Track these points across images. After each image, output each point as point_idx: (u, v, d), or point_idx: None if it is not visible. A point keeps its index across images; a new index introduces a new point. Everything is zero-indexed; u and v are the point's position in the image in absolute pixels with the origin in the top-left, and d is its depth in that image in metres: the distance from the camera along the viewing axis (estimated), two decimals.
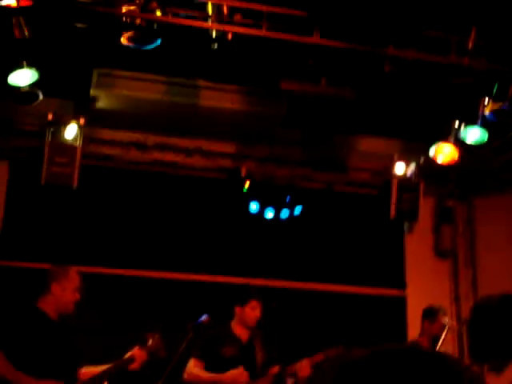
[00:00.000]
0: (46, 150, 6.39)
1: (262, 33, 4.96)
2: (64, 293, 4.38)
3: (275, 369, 5.43)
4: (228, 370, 5.26)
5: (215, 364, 5.35)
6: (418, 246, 7.75)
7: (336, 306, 7.39)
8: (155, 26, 4.95)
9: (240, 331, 5.54)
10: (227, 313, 6.43)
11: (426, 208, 7.54)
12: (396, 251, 7.70)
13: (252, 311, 5.48)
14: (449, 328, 6.07)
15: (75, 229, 6.99)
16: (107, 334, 6.65)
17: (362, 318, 7.39)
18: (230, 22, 4.95)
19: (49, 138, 6.43)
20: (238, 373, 5.23)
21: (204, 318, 5.17)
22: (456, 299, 7.74)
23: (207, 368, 5.37)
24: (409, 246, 7.75)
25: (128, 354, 4.63)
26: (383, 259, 7.62)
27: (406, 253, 7.73)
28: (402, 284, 7.63)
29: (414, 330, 7.23)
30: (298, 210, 7.19)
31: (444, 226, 7.77)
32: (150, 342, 4.75)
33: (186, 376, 5.37)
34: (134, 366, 4.57)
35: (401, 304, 7.54)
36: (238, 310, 5.57)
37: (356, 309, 7.44)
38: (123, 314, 6.83)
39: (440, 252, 7.81)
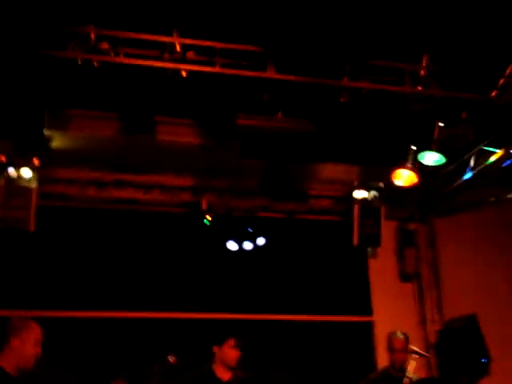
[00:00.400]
0: (1, 193, 6.25)
1: (216, 69, 4.94)
2: (24, 347, 4.20)
3: None
4: None
5: None
6: (382, 271, 7.75)
7: (304, 334, 7.34)
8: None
9: (221, 373, 5.36)
10: (195, 350, 6.37)
11: (388, 232, 7.58)
12: (360, 277, 7.70)
13: (231, 350, 5.33)
14: (415, 354, 6.02)
15: (34, 272, 6.82)
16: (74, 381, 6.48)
17: (331, 345, 7.36)
18: (183, 60, 4.90)
19: (2, 181, 6.29)
20: None
21: (170, 358, 5.06)
22: (422, 322, 7.74)
23: None
24: (373, 271, 7.75)
25: None
26: (348, 286, 7.61)
27: (370, 278, 7.73)
28: (368, 310, 7.61)
29: (383, 355, 7.23)
30: (260, 241, 7.13)
31: (407, 249, 7.79)
32: None
33: None
34: None
35: (368, 329, 7.51)
36: (216, 350, 5.39)
37: (324, 336, 7.39)
38: (88, 359, 6.66)
39: (404, 275, 7.82)
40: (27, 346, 4.17)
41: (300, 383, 5.88)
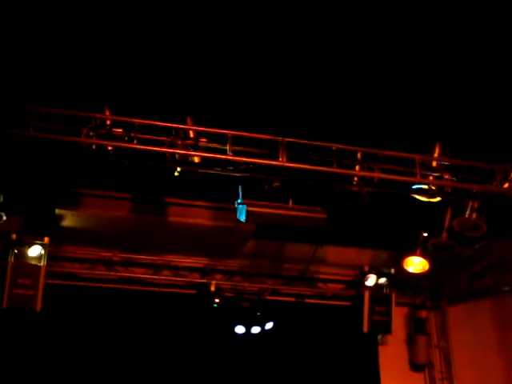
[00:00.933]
0: (9, 271, 6.23)
1: (228, 157, 4.96)
2: None
3: None
4: None
5: None
6: (392, 359, 7.58)
7: None
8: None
9: None
10: None
11: (399, 318, 7.46)
12: (370, 365, 7.52)
13: None
14: None
15: (41, 351, 6.71)
16: None
17: None
18: (196, 147, 4.93)
19: (12, 258, 6.28)
20: None
21: None
22: None
23: None
24: (383, 359, 7.58)
25: None
26: (358, 373, 7.43)
27: (380, 366, 7.54)
28: None
29: None
30: (268, 325, 7.02)
31: (418, 337, 7.62)
32: None
33: None
34: None
35: None
36: None
37: None
38: None
39: (415, 365, 7.63)
40: None
41: None
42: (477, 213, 5.74)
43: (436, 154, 5.44)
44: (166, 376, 7.01)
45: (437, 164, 5.44)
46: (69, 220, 6.49)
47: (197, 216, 6.50)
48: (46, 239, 6.39)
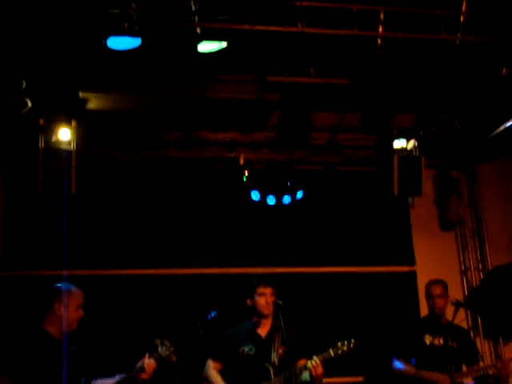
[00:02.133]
0: (40, 157, 6.32)
1: (245, 27, 4.84)
2: (67, 311, 4.35)
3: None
4: (246, 370, 5.11)
5: (233, 364, 5.21)
6: (423, 220, 7.67)
7: (346, 286, 7.34)
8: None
9: (259, 326, 5.26)
10: (238, 304, 6.42)
11: (428, 180, 7.47)
12: (402, 227, 7.62)
13: (260, 298, 5.18)
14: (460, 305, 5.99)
15: (76, 233, 6.94)
16: (117, 340, 6.63)
17: (374, 296, 7.35)
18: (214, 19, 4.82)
19: (42, 144, 6.35)
20: None
21: (213, 314, 5.07)
22: (465, 271, 7.68)
23: (225, 368, 5.25)
24: (414, 221, 7.67)
25: (138, 364, 4.60)
26: (390, 236, 7.55)
27: (412, 227, 7.66)
28: (411, 260, 7.55)
29: (426, 305, 7.22)
30: (299, 194, 7.10)
31: (448, 198, 7.66)
32: (160, 348, 4.72)
33: (203, 374, 5.30)
34: (144, 376, 4.55)
35: (411, 279, 7.48)
36: (248, 302, 5.29)
37: (367, 288, 7.38)
38: (130, 316, 6.77)
39: (446, 224, 7.72)
40: (69, 310, 4.33)
41: (342, 334, 5.89)
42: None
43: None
44: (199, 251, 7.20)
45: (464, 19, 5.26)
46: (94, 103, 6.50)
47: (222, 90, 6.44)
48: (74, 123, 6.41)
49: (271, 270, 6.84)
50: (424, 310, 7.13)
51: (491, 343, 7.38)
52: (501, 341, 7.32)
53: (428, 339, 5.84)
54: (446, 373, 5.51)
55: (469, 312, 7.21)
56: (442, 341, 5.79)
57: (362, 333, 5.91)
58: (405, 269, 7.52)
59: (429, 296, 5.96)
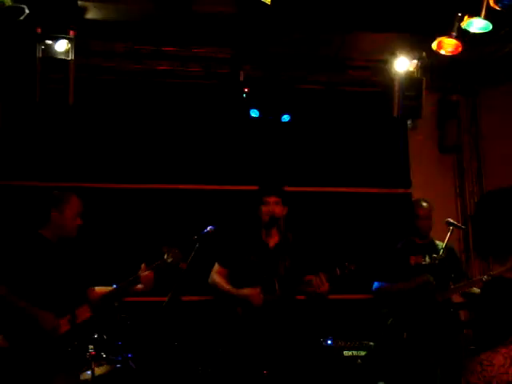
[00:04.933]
0: (38, 66, 6.23)
1: None
2: (64, 219, 4.34)
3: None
4: (251, 278, 5.05)
5: (239, 271, 5.14)
6: (422, 143, 7.67)
7: (342, 207, 7.40)
8: None
9: (266, 237, 5.18)
10: (237, 220, 6.48)
11: (429, 104, 7.41)
12: (400, 149, 7.63)
13: (264, 207, 5.09)
14: (452, 226, 6.06)
15: (74, 145, 6.93)
16: (117, 250, 6.71)
17: (369, 216, 7.41)
18: None
19: (39, 53, 6.25)
20: (253, 293, 4.94)
21: (209, 228, 5.03)
22: (461, 194, 7.73)
23: (231, 274, 5.19)
24: (413, 144, 7.67)
25: (135, 275, 4.57)
26: (388, 158, 7.57)
27: (410, 150, 7.66)
28: (407, 183, 7.59)
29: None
30: (298, 113, 7.06)
31: (448, 122, 7.64)
32: (166, 256, 4.64)
33: (209, 280, 5.25)
34: (141, 287, 4.52)
35: (407, 201, 7.52)
36: (257, 212, 5.19)
37: (363, 209, 7.44)
38: (130, 229, 6.86)
39: (444, 148, 7.73)
40: (67, 217, 4.32)
41: (338, 253, 6.00)
42: None
43: None
44: (197, 167, 7.23)
45: None
46: (93, 12, 6.37)
47: (223, 3, 6.31)
48: (72, 33, 6.30)
49: None
50: None
51: (482, 264, 7.50)
52: (491, 261, 7.42)
53: (413, 259, 5.89)
54: (438, 289, 5.62)
55: (461, 233, 7.27)
56: (427, 259, 5.84)
57: (357, 252, 5.98)
58: (400, 191, 7.56)
59: (416, 216, 5.95)
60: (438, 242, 5.92)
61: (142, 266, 4.57)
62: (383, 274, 5.96)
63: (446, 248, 5.85)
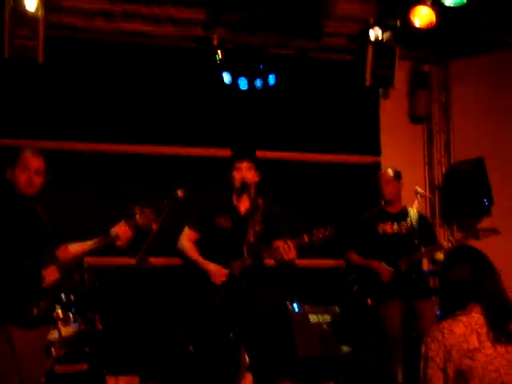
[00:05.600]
0: (7, 21, 6.09)
1: None
2: (16, 175, 4.26)
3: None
4: (220, 243, 5.07)
5: (208, 235, 5.17)
6: (393, 112, 7.70)
7: (312, 173, 7.43)
8: None
9: (236, 201, 5.16)
10: (208, 185, 6.47)
11: (401, 73, 7.44)
12: (371, 117, 7.66)
13: (235, 173, 5.06)
14: (420, 194, 6.14)
15: (43, 103, 6.82)
16: (89, 209, 6.67)
17: (338, 184, 7.47)
18: None
19: (8, 7, 6.11)
20: (216, 272, 4.97)
21: (179, 191, 4.99)
22: (430, 164, 7.82)
23: (201, 239, 5.21)
24: (384, 112, 7.70)
25: (112, 230, 4.43)
26: (358, 126, 7.59)
27: (380, 119, 7.70)
28: (376, 151, 7.65)
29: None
30: (271, 78, 7.03)
31: (419, 91, 7.69)
32: (138, 216, 4.56)
33: (177, 245, 5.25)
34: (119, 243, 4.41)
35: (376, 169, 7.58)
36: (229, 177, 5.16)
37: (331, 176, 7.49)
38: (100, 190, 6.82)
39: (415, 117, 7.79)
40: (17, 173, 4.24)
41: (305, 221, 6.02)
42: None
43: None
44: (166, 130, 7.17)
45: None
46: None
47: None
48: None
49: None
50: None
51: (446, 232, 7.64)
52: (455, 228, 7.60)
53: (381, 228, 5.94)
54: (402, 257, 5.72)
55: (427, 201, 7.36)
56: (395, 227, 5.91)
57: (326, 220, 6.01)
58: (370, 159, 7.62)
59: (382, 182, 5.99)
60: (410, 210, 5.98)
61: (122, 222, 4.45)
62: (351, 242, 6.05)
63: (418, 216, 5.93)
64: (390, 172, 6.00)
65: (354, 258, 6.00)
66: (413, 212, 5.95)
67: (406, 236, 5.86)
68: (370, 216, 6.06)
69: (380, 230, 5.93)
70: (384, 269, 5.76)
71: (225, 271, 4.98)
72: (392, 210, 5.99)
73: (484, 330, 2.92)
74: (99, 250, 4.48)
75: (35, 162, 4.28)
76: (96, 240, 4.44)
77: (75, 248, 4.47)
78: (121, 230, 4.41)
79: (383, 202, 6.05)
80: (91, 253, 4.48)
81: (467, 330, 2.91)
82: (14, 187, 4.25)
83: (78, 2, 6.70)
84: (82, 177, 6.84)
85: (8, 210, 4.23)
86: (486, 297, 2.97)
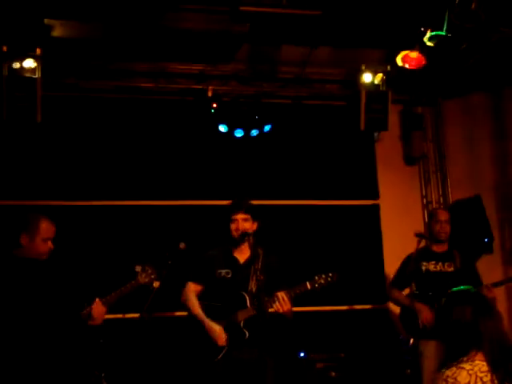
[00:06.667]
0: (4, 85, 6.21)
1: None
2: (34, 243, 4.26)
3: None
4: (222, 294, 5.05)
5: (211, 287, 5.15)
6: (388, 155, 7.77)
7: (312, 220, 7.45)
8: None
9: (236, 252, 5.18)
10: (207, 235, 6.48)
11: (394, 115, 7.55)
12: (367, 162, 7.72)
13: (232, 224, 5.11)
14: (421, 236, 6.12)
15: (43, 163, 6.90)
16: (87, 268, 6.67)
17: (339, 229, 7.48)
18: None
19: (6, 72, 6.23)
20: (217, 333, 4.95)
21: (181, 245, 5.01)
22: (427, 204, 7.85)
23: (204, 291, 5.19)
24: (379, 155, 7.77)
25: (86, 310, 4.34)
26: (355, 170, 7.64)
27: (377, 161, 7.76)
28: (375, 194, 7.69)
29: (389, 237, 7.42)
30: (267, 127, 7.13)
31: (413, 133, 7.77)
32: (139, 276, 4.56)
33: (181, 299, 5.22)
34: (93, 322, 4.31)
35: (375, 212, 7.64)
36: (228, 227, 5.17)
37: (332, 221, 7.51)
38: (99, 246, 6.83)
39: (410, 159, 7.86)
40: (37, 242, 4.24)
41: (308, 266, 6.01)
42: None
43: None
44: (166, 184, 7.23)
45: None
46: (59, 30, 6.35)
47: (192, 20, 6.34)
48: (39, 50, 6.29)
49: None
50: (386, 242, 7.37)
51: None
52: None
53: (424, 266, 5.88)
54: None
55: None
56: (438, 266, 5.89)
57: (326, 264, 6.01)
58: (369, 202, 7.66)
59: (436, 221, 5.96)
60: (452, 249, 5.93)
61: (96, 300, 4.36)
62: (396, 279, 6.05)
63: (461, 256, 5.88)
64: (446, 213, 6.03)
65: (397, 295, 6.00)
66: (457, 252, 5.93)
67: (452, 274, 5.83)
68: (416, 254, 5.99)
69: (423, 269, 5.86)
70: (425, 311, 5.73)
71: (224, 333, 4.96)
72: (437, 249, 5.97)
73: (489, 378, 2.88)
74: None
75: (52, 231, 4.30)
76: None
77: None
78: (95, 311, 4.32)
79: (428, 241, 6.00)
80: None
81: (471, 378, 2.86)
82: (24, 251, 4.24)
83: (75, 62, 6.82)
84: (80, 233, 6.83)
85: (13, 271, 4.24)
86: (487, 339, 2.94)
